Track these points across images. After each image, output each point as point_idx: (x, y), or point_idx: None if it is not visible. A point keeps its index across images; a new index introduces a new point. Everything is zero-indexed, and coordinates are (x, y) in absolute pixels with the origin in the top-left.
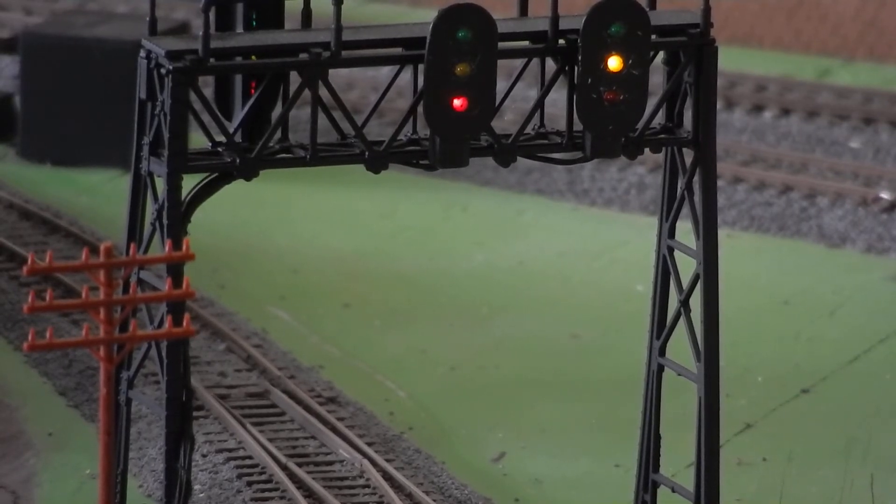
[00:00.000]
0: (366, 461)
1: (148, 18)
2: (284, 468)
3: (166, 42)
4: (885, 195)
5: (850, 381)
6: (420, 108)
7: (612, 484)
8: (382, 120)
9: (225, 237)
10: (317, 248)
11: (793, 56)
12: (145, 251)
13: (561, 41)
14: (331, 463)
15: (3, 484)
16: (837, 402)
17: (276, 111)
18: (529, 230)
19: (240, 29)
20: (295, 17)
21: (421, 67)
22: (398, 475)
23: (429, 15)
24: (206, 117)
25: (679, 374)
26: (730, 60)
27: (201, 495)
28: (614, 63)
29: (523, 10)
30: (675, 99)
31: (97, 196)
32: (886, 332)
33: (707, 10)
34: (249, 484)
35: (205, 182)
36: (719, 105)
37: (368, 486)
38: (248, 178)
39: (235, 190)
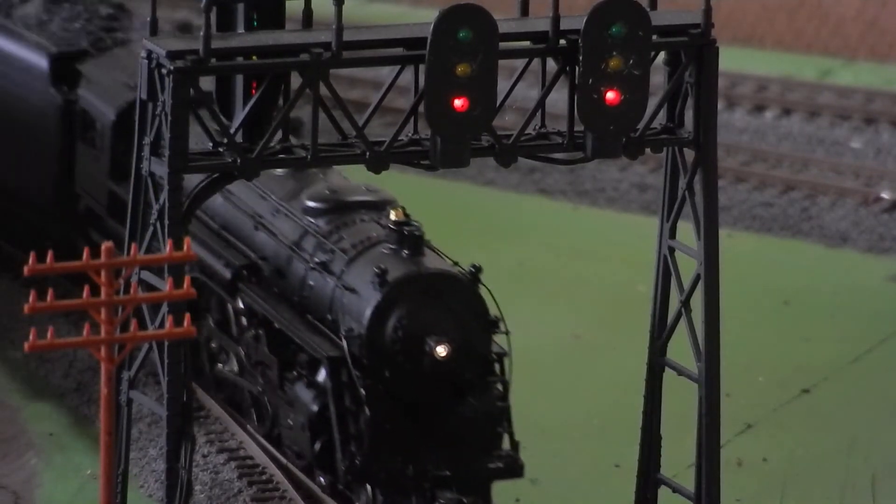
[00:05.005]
0: None
1: (149, 18)
2: (285, 469)
3: (167, 42)
4: (885, 195)
5: (850, 381)
6: (421, 108)
7: (612, 484)
8: (383, 120)
9: None
10: None
11: (794, 56)
12: (146, 251)
13: (562, 41)
14: None
15: (5, 484)
16: (838, 403)
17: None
18: (530, 230)
19: (241, 29)
20: (296, 18)
21: (422, 67)
22: None
23: (430, 15)
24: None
25: (680, 374)
26: (731, 60)
27: (202, 496)
28: (615, 63)
29: (524, 11)
30: (676, 99)
31: None
32: (887, 332)
33: (708, 11)
34: (250, 484)
35: (206, 182)
36: (720, 105)
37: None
38: (248, 179)
39: None
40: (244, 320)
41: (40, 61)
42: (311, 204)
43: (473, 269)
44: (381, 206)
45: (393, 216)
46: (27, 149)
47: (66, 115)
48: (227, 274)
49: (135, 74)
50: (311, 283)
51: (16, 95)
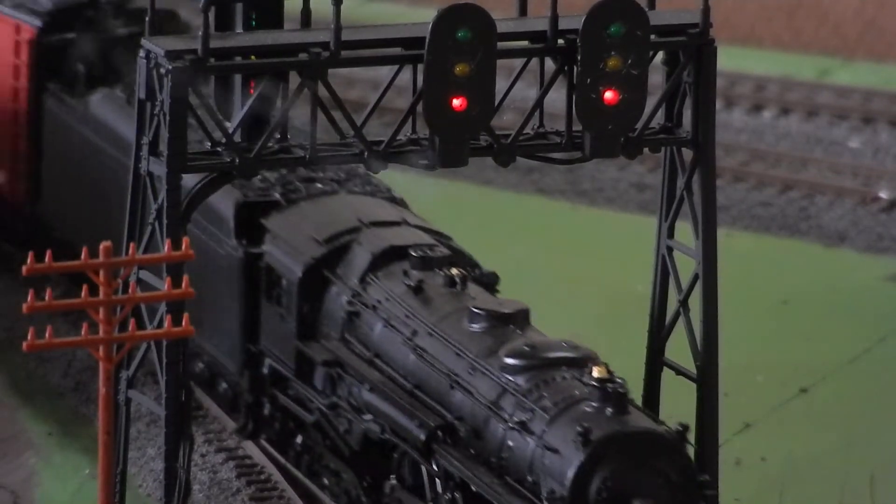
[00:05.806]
0: None
1: (147, 18)
2: (283, 468)
3: (166, 42)
4: (883, 195)
5: (849, 381)
6: (420, 108)
7: None
8: (382, 119)
9: None
10: None
11: (792, 56)
12: (145, 251)
13: (560, 41)
14: None
15: (3, 483)
16: (837, 402)
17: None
18: (528, 230)
19: (239, 29)
20: (294, 17)
21: (420, 67)
22: None
23: (428, 15)
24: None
25: (678, 374)
26: (730, 60)
27: (200, 495)
28: (613, 63)
29: (523, 10)
30: (675, 99)
31: None
32: (886, 332)
33: (706, 10)
34: (249, 483)
35: (204, 182)
36: (719, 104)
37: None
38: (247, 178)
39: None
40: (439, 484)
41: (226, 209)
42: (509, 361)
43: (681, 428)
44: (582, 363)
45: (596, 373)
46: (210, 304)
47: (249, 269)
48: (422, 435)
49: (322, 228)
50: (510, 443)
51: (204, 243)
